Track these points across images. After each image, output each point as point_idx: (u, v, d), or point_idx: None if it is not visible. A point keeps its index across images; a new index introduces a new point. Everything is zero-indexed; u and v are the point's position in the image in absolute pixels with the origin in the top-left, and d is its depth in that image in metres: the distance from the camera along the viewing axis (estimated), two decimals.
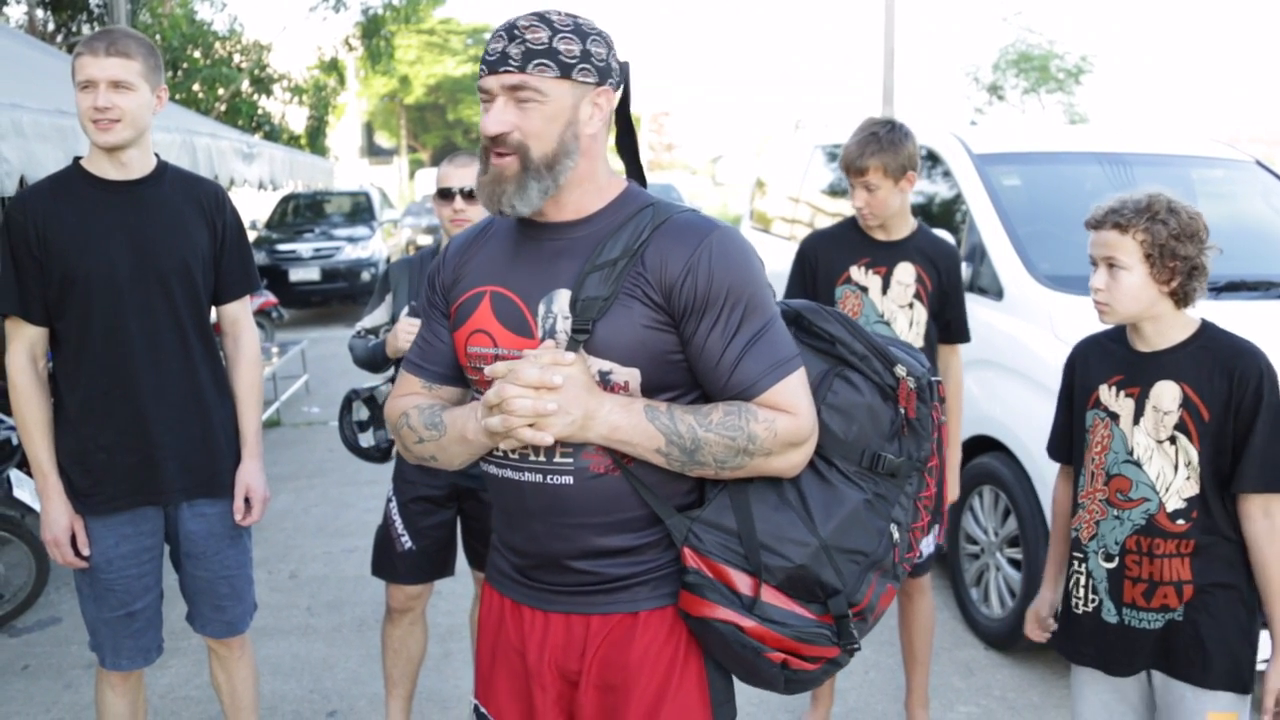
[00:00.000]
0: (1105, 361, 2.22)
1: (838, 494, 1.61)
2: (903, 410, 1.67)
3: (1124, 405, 2.16)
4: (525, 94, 1.55)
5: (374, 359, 3.07)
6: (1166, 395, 2.11)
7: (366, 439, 3.19)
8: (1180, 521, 2.10)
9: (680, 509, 1.64)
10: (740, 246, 1.60)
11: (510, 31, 1.56)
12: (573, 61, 1.56)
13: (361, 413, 3.21)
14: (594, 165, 1.64)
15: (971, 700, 3.64)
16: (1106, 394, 2.19)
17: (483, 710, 1.80)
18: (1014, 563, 3.93)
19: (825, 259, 3.13)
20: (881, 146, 2.93)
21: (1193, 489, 2.10)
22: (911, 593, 3.26)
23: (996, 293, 4.22)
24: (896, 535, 1.65)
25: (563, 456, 1.60)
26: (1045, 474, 3.69)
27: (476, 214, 3.01)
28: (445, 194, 3.03)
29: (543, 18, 1.56)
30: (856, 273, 3.08)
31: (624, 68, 1.66)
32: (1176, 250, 2.06)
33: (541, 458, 1.61)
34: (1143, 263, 2.08)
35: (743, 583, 1.57)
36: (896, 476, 1.66)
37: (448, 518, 3.08)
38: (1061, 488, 2.39)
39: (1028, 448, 3.80)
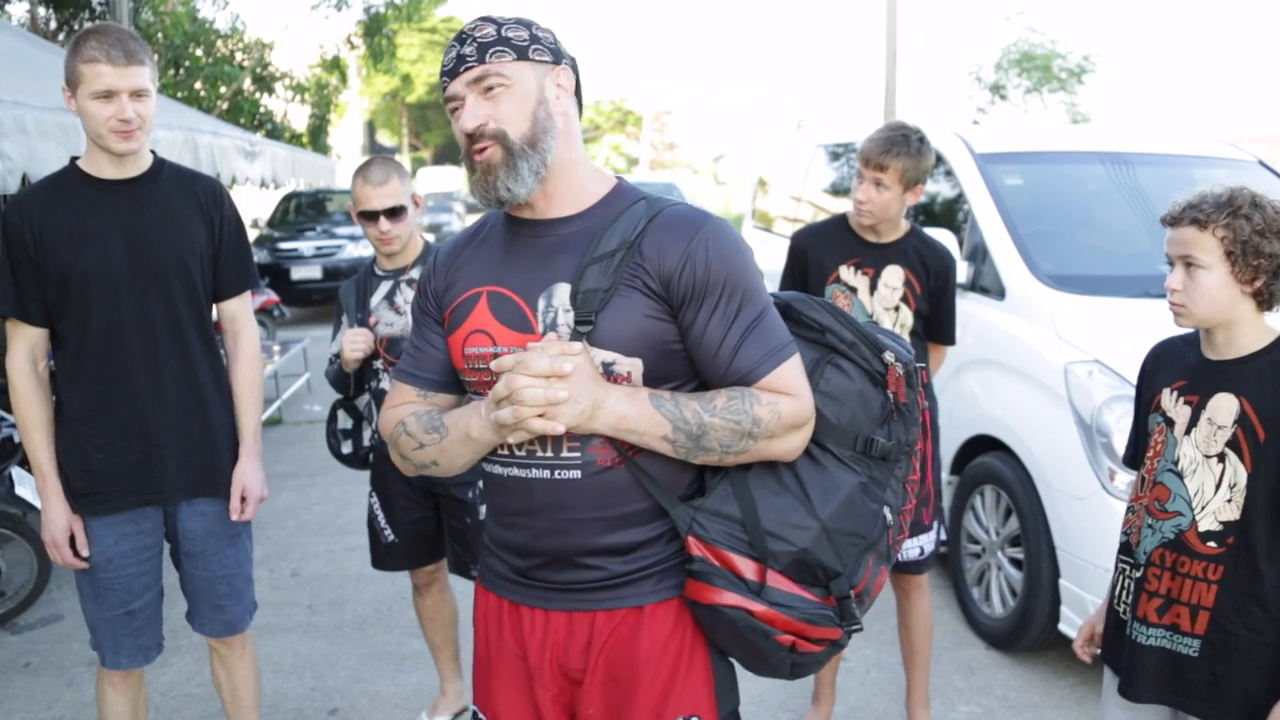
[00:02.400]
0: (1174, 365, 2.10)
1: (833, 478, 1.64)
2: (892, 395, 1.70)
3: (1181, 412, 2.03)
4: (490, 81, 1.59)
5: (339, 379, 3.22)
6: (1223, 408, 1.96)
7: (347, 446, 3.33)
8: (1211, 544, 1.97)
9: (683, 500, 1.66)
10: (734, 236, 1.64)
11: (459, 38, 1.61)
12: (524, 44, 1.61)
13: (345, 421, 3.35)
14: (573, 150, 1.67)
15: (972, 700, 3.64)
16: (1167, 399, 2.07)
17: (481, 716, 1.80)
18: (1015, 562, 3.93)
19: (815, 255, 3.13)
20: (908, 150, 2.94)
21: (1232, 513, 1.95)
22: (911, 592, 3.25)
23: (999, 292, 4.21)
24: (890, 518, 1.69)
25: (570, 450, 1.61)
26: (1046, 473, 3.69)
27: (402, 229, 3.04)
28: (368, 216, 3.04)
29: (485, 17, 1.62)
30: (846, 272, 3.08)
31: (573, 62, 1.71)
32: (1261, 247, 1.91)
33: (549, 452, 1.62)
34: (1223, 261, 1.93)
35: (748, 569, 1.60)
36: (887, 460, 1.69)
37: (427, 512, 3.23)
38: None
39: (1029, 447, 3.80)
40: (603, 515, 1.63)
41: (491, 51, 1.58)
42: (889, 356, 1.71)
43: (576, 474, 1.61)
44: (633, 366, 1.60)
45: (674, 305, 1.59)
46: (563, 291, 1.60)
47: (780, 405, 1.58)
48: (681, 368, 1.63)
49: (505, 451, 1.65)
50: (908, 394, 1.72)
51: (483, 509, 3.10)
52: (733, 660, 1.72)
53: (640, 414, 1.55)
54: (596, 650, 1.67)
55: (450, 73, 1.61)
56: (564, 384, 1.50)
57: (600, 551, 1.64)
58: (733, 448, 1.58)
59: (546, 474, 1.63)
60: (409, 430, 1.71)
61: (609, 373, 1.58)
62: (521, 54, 1.60)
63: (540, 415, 1.50)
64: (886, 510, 1.69)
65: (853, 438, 1.66)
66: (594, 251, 1.60)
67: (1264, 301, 1.96)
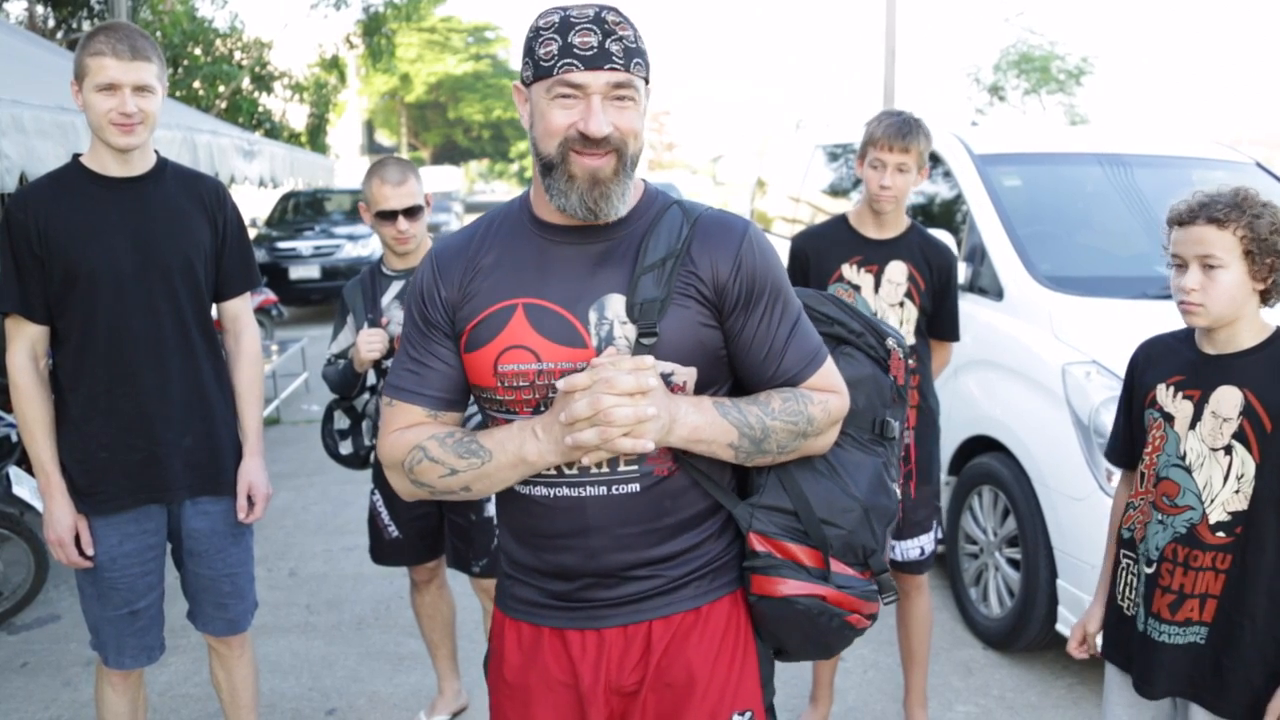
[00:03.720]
0: (1167, 361, 2.13)
1: (860, 460, 1.70)
2: (893, 378, 1.77)
3: (1181, 407, 2.07)
4: (627, 91, 1.51)
5: (345, 380, 3.20)
6: (1228, 401, 2.00)
7: (346, 446, 3.31)
8: (1221, 534, 2.01)
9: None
10: (768, 241, 1.65)
11: (601, 25, 1.49)
12: (649, 60, 1.56)
13: (342, 421, 3.33)
14: None
15: (970, 700, 3.64)
16: (1163, 394, 2.10)
17: None
18: (1013, 563, 3.93)
19: (817, 257, 3.14)
20: (922, 130, 2.99)
21: (1240, 504, 1.99)
22: (910, 591, 3.26)
23: (996, 293, 4.22)
24: (899, 494, 1.76)
25: (628, 464, 1.58)
26: (1044, 474, 3.70)
27: (419, 229, 3.05)
28: (386, 215, 3.04)
29: (618, 12, 1.53)
30: (849, 271, 3.09)
31: None
32: (1277, 245, 1.96)
33: (605, 469, 1.57)
34: (1242, 260, 1.96)
35: (807, 558, 1.63)
36: (894, 440, 1.75)
37: (430, 508, 3.23)
38: (1119, 495, 2.29)
39: (1027, 448, 3.80)
40: (659, 525, 1.62)
41: (635, 61, 1.52)
42: (891, 342, 1.78)
43: (635, 487, 1.59)
44: (689, 376, 1.59)
45: (724, 312, 1.59)
46: (616, 303, 1.55)
47: (830, 403, 1.63)
48: (724, 373, 1.64)
49: (553, 472, 1.59)
50: (906, 377, 1.79)
51: (491, 506, 3.10)
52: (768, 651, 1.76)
53: (711, 423, 1.55)
54: (655, 659, 1.65)
55: (587, 61, 1.48)
56: (648, 400, 1.47)
57: (655, 561, 1.63)
58: (788, 448, 1.61)
59: (603, 490, 1.58)
60: (433, 456, 1.59)
61: (667, 383, 1.57)
62: (649, 72, 1.56)
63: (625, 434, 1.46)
64: (896, 487, 1.75)
65: (870, 421, 1.72)
66: (643, 261, 1.56)
67: (1267, 298, 2.01)
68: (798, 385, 1.62)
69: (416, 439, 1.62)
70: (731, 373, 1.65)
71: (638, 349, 1.53)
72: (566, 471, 1.58)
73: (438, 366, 1.65)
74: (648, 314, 1.53)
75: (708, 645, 1.66)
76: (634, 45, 1.52)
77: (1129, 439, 2.23)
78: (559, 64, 1.49)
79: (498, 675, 1.75)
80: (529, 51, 1.54)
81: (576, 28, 1.49)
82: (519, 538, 1.70)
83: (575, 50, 1.48)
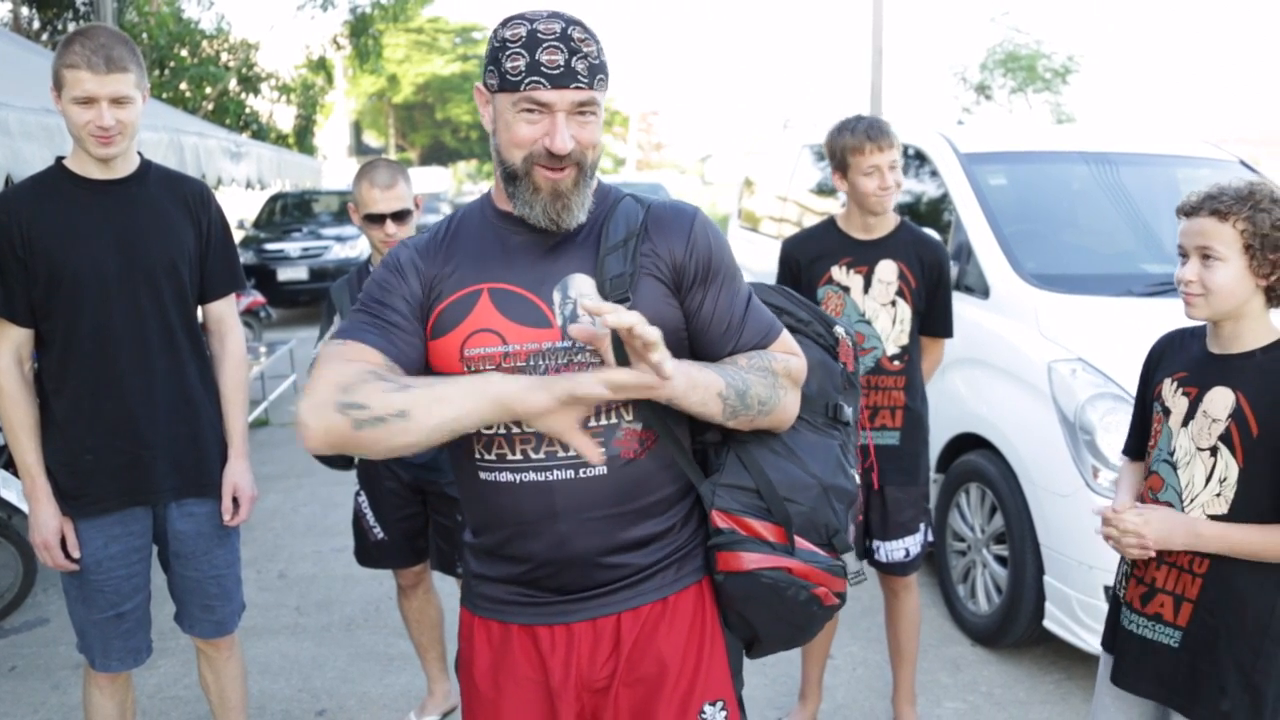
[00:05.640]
0: (1178, 356, 2.13)
1: (815, 442, 1.73)
2: (843, 365, 1.83)
3: (1179, 403, 2.06)
4: (589, 108, 1.57)
5: None
6: (1218, 402, 1.99)
7: None
8: None
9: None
10: (716, 226, 1.71)
11: (568, 44, 1.53)
12: (609, 72, 1.60)
13: None
14: None
15: (958, 696, 3.66)
16: (1168, 388, 2.10)
17: None
18: (1000, 559, 3.95)
19: (807, 261, 3.14)
20: (889, 126, 3.03)
21: (1220, 507, 1.98)
22: (898, 590, 3.27)
23: (983, 291, 4.24)
24: (858, 478, 1.79)
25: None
26: (1031, 471, 3.72)
27: (407, 233, 3.06)
28: (375, 219, 3.05)
29: (583, 27, 1.57)
30: (838, 273, 3.09)
31: None
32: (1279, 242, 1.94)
33: (571, 453, 1.58)
34: (1242, 254, 1.95)
35: (770, 533, 1.65)
36: (849, 425, 1.80)
37: (416, 510, 3.23)
38: (1126, 473, 2.27)
39: (1014, 445, 3.82)
40: (625, 509, 1.63)
41: (599, 78, 1.56)
42: (839, 330, 1.86)
43: (603, 469, 1.60)
44: None
45: (683, 289, 1.64)
46: (579, 282, 1.60)
47: (791, 362, 1.68)
48: (684, 353, 1.66)
49: (519, 456, 1.60)
50: (856, 365, 1.86)
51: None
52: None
53: (702, 372, 1.56)
54: (624, 652, 1.66)
55: (553, 80, 1.52)
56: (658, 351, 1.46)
57: (623, 548, 1.64)
58: (767, 403, 1.62)
59: (570, 474, 1.59)
60: (380, 375, 1.46)
61: None
62: (607, 83, 1.59)
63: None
64: (855, 473, 1.78)
65: (824, 405, 1.76)
66: (606, 242, 1.62)
67: (1275, 296, 1.98)
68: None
69: (359, 369, 1.48)
70: (690, 353, 1.67)
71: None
72: (533, 455, 1.60)
73: (400, 324, 1.59)
74: (619, 286, 1.58)
75: (676, 635, 1.67)
76: (597, 61, 1.56)
77: (1139, 431, 2.22)
78: (526, 81, 1.53)
79: (468, 675, 1.75)
80: (494, 60, 1.57)
81: (544, 45, 1.52)
82: (485, 529, 1.70)
83: (542, 69, 1.52)
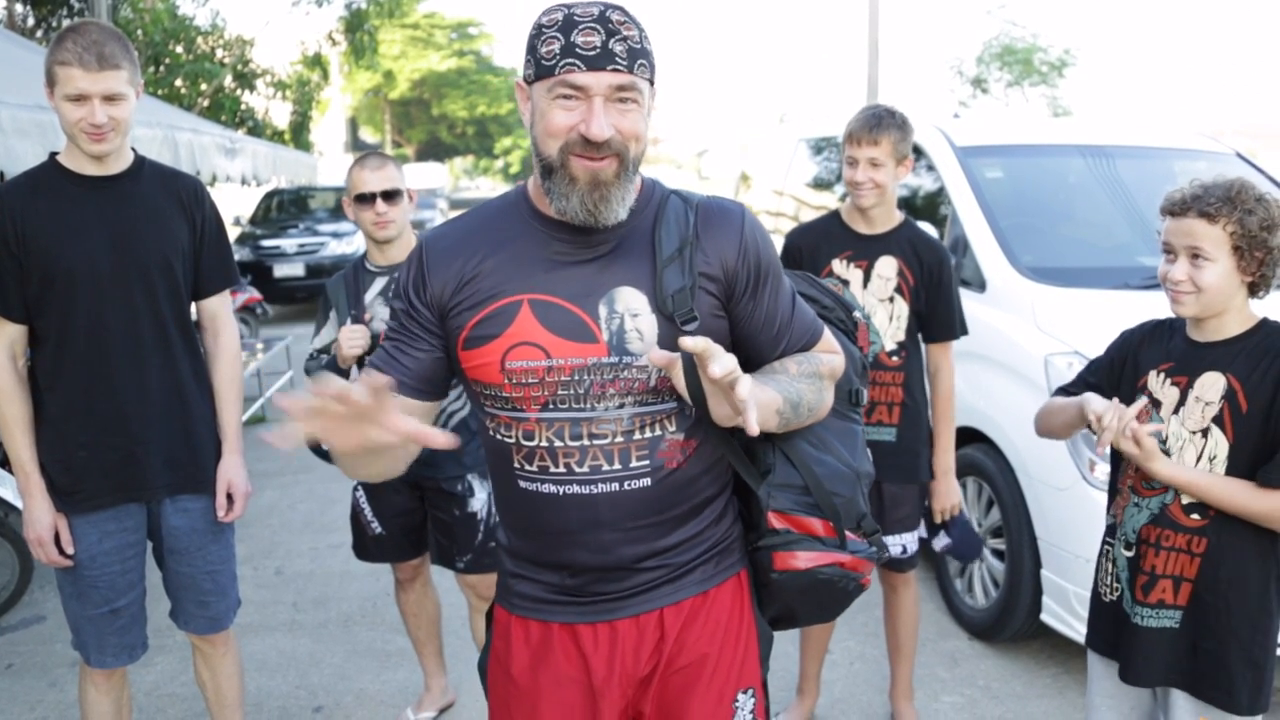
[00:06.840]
0: (1159, 347, 2.16)
1: (842, 429, 1.75)
2: (860, 349, 1.85)
3: (1168, 394, 2.11)
4: (630, 94, 1.48)
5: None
6: (1211, 386, 2.04)
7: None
8: (1195, 516, 2.05)
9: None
10: (759, 221, 1.68)
11: (605, 25, 1.46)
12: (654, 63, 1.52)
13: None
14: None
15: (956, 690, 3.66)
16: (1154, 380, 2.14)
17: None
18: (997, 553, 3.95)
19: (810, 252, 3.13)
20: (896, 124, 2.97)
21: None
22: (897, 585, 3.27)
23: (979, 285, 4.23)
24: (871, 460, 1.80)
25: (638, 459, 1.58)
26: (1028, 465, 3.71)
27: (398, 214, 3.04)
28: (364, 199, 3.04)
29: (623, 11, 1.49)
30: (839, 266, 3.09)
31: None
32: (1267, 241, 1.98)
33: (616, 465, 1.57)
34: (1230, 255, 1.99)
35: (820, 529, 1.67)
36: (861, 407, 1.82)
37: (413, 505, 3.22)
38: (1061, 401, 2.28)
39: (1011, 439, 3.82)
40: (667, 516, 1.63)
41: (639, 63, 1.48)
42: (857, 315, 1.88)
43: (647, 481, 1.59)
44: None
45: (733, 298, 1.60)
46: (626, 296, 1.54)
47: (835, 361, 1.70)
48: None
49: (562, 470, 1.58)
50: (870, 348, 1.85)
51: (475, 502, 3.10)
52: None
53: (762, 390, 1.51)
54: (668, 645, 1.66)
55: (589, 62, 1.44)
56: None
57: (663, 551, 1.64)
58: (815, 409, 1.63)
59: (615, 487, 1.58)
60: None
61: None
62: (654, 74, 1.52)
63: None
64: (868, 452, 1.80)
65: (847, 392, 1.77)
66: (662, 253, 1.55)
67: (1255, 290, 2.04)
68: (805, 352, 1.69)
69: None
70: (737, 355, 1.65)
71: (676, 340, 1.48)
72: (576, 469, 1.57)
73: (414, 354, 1.63)
74: (682, 302, 1.53)
75: (715, 627, 1.68)
76: (639, 46, 1.48)
77: (1089, 385, 2.24)
78: (560, 63, 1.45)
79: (503, 674, 1.72)
80: (531, 49, 1.50)
81: (580, 26, 1.45)
82: (523, 535, 1.68)
83: (578, 50, 1.44)
